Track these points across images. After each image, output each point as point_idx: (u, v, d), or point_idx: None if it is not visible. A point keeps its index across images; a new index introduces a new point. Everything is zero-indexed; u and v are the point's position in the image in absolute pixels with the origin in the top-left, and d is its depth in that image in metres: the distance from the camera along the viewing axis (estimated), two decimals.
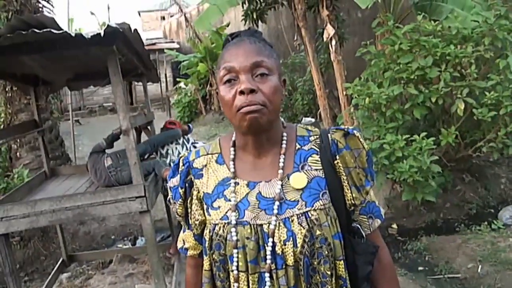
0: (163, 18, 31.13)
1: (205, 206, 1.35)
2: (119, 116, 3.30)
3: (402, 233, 5.63)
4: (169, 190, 1.45)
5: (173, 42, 23.10)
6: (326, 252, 1.20)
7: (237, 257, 1.23)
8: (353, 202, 1.30)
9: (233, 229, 1.24)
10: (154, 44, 21.67)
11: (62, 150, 8.72)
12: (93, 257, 5.50)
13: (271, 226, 1.21)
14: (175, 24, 24.51)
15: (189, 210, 1.40)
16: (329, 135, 1.33)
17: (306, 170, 1.27)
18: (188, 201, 1.39)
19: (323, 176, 1.27)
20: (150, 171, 4.17)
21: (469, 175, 6.41)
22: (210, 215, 1.31)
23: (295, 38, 8.08)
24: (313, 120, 9.09)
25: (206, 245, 1.31)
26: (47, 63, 4.10)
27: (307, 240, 1.19)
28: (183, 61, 15.83)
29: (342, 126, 1.36)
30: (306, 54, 7.81)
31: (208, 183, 1.35)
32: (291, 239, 1.19)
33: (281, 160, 1.28)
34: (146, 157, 4.69)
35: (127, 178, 3.99)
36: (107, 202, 3.39)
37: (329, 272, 1.21)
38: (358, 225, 1.34)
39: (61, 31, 2.87)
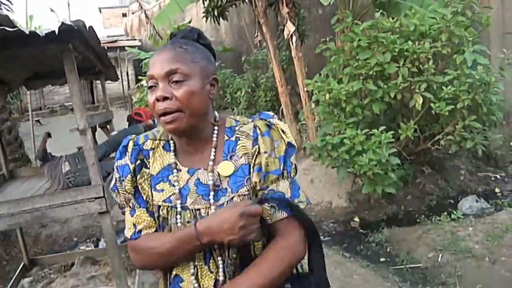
0: (125, 15, 30.66)
1: (149, 187, 1.42)
2: (76, 115, 3.24)
3: (364, 226, 5.72)
4: (115, 170, 1.46)
5: (135, 39, 22.81)
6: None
7: None
8: (254, 185, 1.36)
9: (178, 216, 1.35)
10: (115, 41, 21.33)
11: (22, 152, 8.51)
12: (55, 260, 5.37)
13: (210, 213, 1.32)
14: (136, 21, 24.19)
15: (139, 186, 1.43)
16: (252, 123, 1.42)
17: (234, 160, 1.37)
18: (138, 177, 1.43)
19: (245, 163, 1.36)
20: (109, 171, 4.10)
21: (429, 167, 6.56)
22: (153, 197, 1.41)
23: (256, 35, 8.11)
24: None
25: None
26: (2, 62, 3.99)
27: None
28: (145, 58, 15.65)
29: (270, 118, 1.43)
30: (268, 51, 7.85)
31: (153, 166, 1.43)
32: None
33: (212, 153, 1.38)
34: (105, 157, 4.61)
35: (87, 183, 3.91)
36: (66, 203, 3.32)
37: (234, 255, 1.33)
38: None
39: (14, 29, 2.80)
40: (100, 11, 33.63)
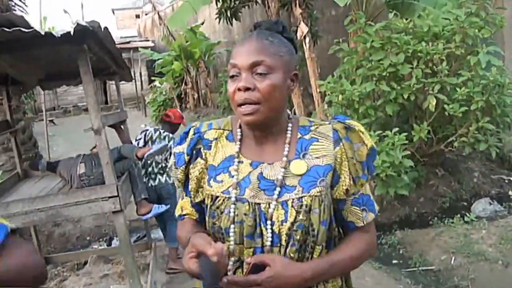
0: (138, 16, 30.88)
1: (206, 177, 1.43)
2: (90, 115, 3.27)
3: (377, 227, 5.59)
4: (173, 156, 1.50)
5: (148, 40, 22.96)
6: (298, 237, 1.28)
7: (234, 231, 1.32)
8: (346, 190, 1.36)
9: (232, 206, 1.33)
10: (128, 42, 21.50)
11: (36, 151, 8.58)
12: (68, 258, 5.42)
13: (270, 209, 1.30)
14: (149, 23, 24.33)
15: (190, 176, 1.47)
16: (330, 125, 1.39)
17: (306, 159, 1.34)
18: (191, 167, 1.46)
19: (323, 164, 1.33)
20: (122, 172, 4.13)
21: (442, 169, 6.51)
22: (211, 187, 1.40)
23: None
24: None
25: (207, 214, 1.40)
26: (17, 62, 4.03)
27: (292, 222, 1.28)
28: (158, 59, 15.75)
29: (347, 119, 1.42)
30: None
31: (215, 156, 1.43)
32: (287, 221, 1.28)
33: (286, 148, 1.36)
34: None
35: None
36: (80, 202, 3.35)
37: (292, 255, 1.29)
38: (350, 220, 1.41)
39: (30, 30, 2.83)
40: (114, 13, 33.88)
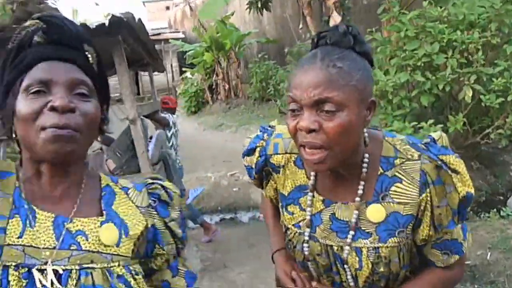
0: (168, 8, 31.03)
1: (280, 204, 1.34)
2: (125, 105, 3.32)
3: None
4: (243, 162, 1.43)
5: (178, 32, 23.07)
6: (381, 285, 1.22)
7: (311, 266, 1.27)
8: (426, 239, 1.20)
9: (305, 244, 1.24)
10: (159, 34, 21.64)
11: None
12: None
13: (344, 253, 1.19)
14: (180, 14, 24.39)
15: (264, 186, 1.42)
16: (418, 163, 1.17)
17: (386, 202, 1.17)
18: (264, 182, 1.40)
19: (403, 213, 1.16)
20: (157, 161, 4.19)
21: (477, 162, 6.37)
22: (284, 215, 1.31)
23: (301, 27, 8.06)
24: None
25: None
26: None
27: (371, 273, 1.19)
28: (189, 50, 15.81)
29: (442, 153, 1.17)
30: None
31: (284, 184, 1.30)
32: (362, 269, 1.19)
33: (360, 187, 1.17)
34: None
35: (135, 171, 3.99)
36: None
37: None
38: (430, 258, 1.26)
39: None
40: (144, 5, 34.12)
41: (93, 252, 0.98)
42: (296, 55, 11.57)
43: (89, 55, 1.03)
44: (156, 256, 1.12)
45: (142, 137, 3.40)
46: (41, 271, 0.93)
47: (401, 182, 1.16)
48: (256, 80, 13.37)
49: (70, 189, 1.03)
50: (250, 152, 1.38)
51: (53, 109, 0.92)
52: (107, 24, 2.88)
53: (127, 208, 1.08)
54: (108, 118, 1.13)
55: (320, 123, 1.05)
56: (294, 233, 1.27)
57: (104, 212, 1.04)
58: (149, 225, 1.08)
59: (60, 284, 0.93)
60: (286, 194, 1.29)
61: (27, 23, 0.99)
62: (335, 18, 6.91)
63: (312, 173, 1.25)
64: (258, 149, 1.35)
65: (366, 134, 1.19)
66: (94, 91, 1.02)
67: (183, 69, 17.81)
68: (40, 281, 0.92)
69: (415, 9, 5.76)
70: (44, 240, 0.96)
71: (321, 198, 1.23)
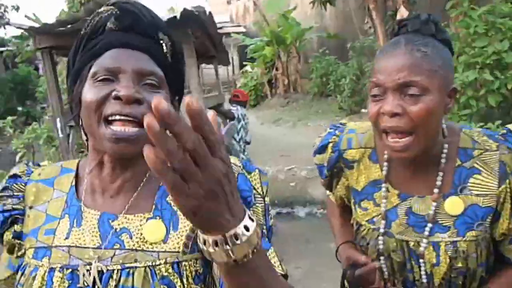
0: (229, 2, 31.27)
1: (352, 200, 1.32)
2: (193, 97, 3.41)
3: None
4: (314, 158, 1.40)
5: (240, 26, 23.21)
6: (459, 282, 1.17)
7: (384, 263, 1.24)
8: (505, 233, 1.17)
9: (380, 238, 1.22)
10: (221, 28, 21.82)
11: None
12: None
13: (421, 248, 1.17)
14: (241, 8, 24.61)
15: (333, 186, 1.39)
16: (496, 154, 1.15)
17: (464, 194, 1.15)
18: (334, 183, 1.37)
19: (482, 205, 1.14)
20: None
21: None
22: (356, 212, 1.30)
23: (366, 21, 7.96)
24: None
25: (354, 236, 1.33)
26: None
27: (449, 268, 1.16)
28: (250, 45, 15.91)
29: None
30: (376, 37, 7.68)
31: (358, 180, 1.29)
32: (440, 264, 1.16)
33: (439, 178, 1.16)
34: None
35: None
36: None
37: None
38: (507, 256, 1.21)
39: None
40: None
41: (137, 250, 0.93)
42: (359, 50, 11.42)
43: (163, 44, 0.97)
44: None
45: None
46: (86, 270, 0.92)
47: (480, 174, 1.14)
48: (316, 75, 13.31)
49: (131, 181, 0.99)
50: (322, 149, 1.36)
51: (117, 98, 0.89)
52: (178, 17, 2.95)
53: None
54: (180, 111, 1.01)
55: (404, 107, 1.05)
56: (368, 229, 1.25)
57: (153, 207, 0.98)
58: None
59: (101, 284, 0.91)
60: (359, 190, 1.28)
61: (102, 8, 0.96)
62: (402, 13, 6.77)
63: (386, 166, 1.23)
64: (330, 145, 1.34)
65: (444, 126, 1.19)
66: (165, 82, 0.98)
67: (244, 63, 17.95)
68: (84, 282, 0.91)
69: (485, 5, 5.56)
70: (89, 239, 0.94)
71: (396, 192, 1.22)
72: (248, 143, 5.87)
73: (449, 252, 1.14)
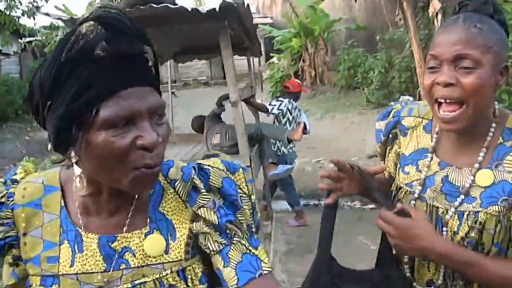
0: None
1: (398, 165, 1.40)
2: (229, 88, 3.44)
3: None
4: (375, 130, 1.50)
5: (267, 17, 23.15)
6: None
7: None
8: None
9: (412, 202, 1.29)
10: None
11: None
12: None
13: (447, 216, 1.23)
14: None
15: (386, 154, 1.48)
16: None
17: (498, 170, 1.20)
18: (388, 148, 1.46)
19: (511, 182, 1.17)
20: (254, 144, 4.31)
21: None
22: (398, 176, 1.38)
23: (397, 13, 7.87)
24: (411, 98, 8.77)
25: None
26: (158, 36, 4.30)
27: (463, 237, 1.20)
28: (277, 36, 15.87)
29: None
30: (407, 29, 7.59)
31: (408, 145, 1.37)
32: (458, 233, 1.21)
33: (481, 154, 1.22)
34: None
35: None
36: None
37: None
38: None
39: (177, 6, 3.02)
40: None
41: (142, 266, 0.97)
42: (388, 42, 11.30)
43: (147, 56, 0.90)
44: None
45: (242, 119, 3.51)
46: None
47: None
48: (344, 67, 13.21)
49: (125, 199, 0.99)
50: (386, 115, 1.46)
51: (143, 147, 0.86)
52: (217, 9, 2.98)
53: (174, 205, 1.03)
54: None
55: (457, 77, 1.13)
56: (405, 192, 1.32)
57: (148, 220, 1.00)
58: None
59: None
60: (407, 155, 1.36)
61: (84, 26, 0.84)
62: (435, 5, 6.68)
63: (436, 137, 1.31)
64: (393, 111, 1.44)
65: (496, 107, 1.25)
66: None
67: (270, 54, 17.90)
68: None
69: None
70: (93, 264, 0.96)
71: (438, 160, 1.29)
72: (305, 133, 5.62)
73: (469, 221, 1.19)
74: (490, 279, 1.17)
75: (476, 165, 1.21)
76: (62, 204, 1.00)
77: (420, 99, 7.70)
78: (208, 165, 1.05)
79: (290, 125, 5.52)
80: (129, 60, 0.86)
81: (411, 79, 9.71)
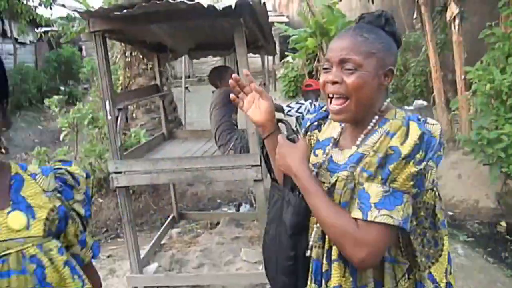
0: None
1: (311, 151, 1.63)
2: None
3: (511, 231, 5.30)
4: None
5: (283, 15, 23.14)
6: None
7: None
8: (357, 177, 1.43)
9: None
10: None
11: (175, 115, 9.13)
12: (202, 217, 5.81)
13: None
14: None
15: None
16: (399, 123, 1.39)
17: (359, 148, 1.41)
18: (308, 135, 1.72)
19: (362, 151, 1.41)
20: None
21: None
22: (311, 158, 1.57)
23: (415, 16, 7.80)
24: (425, 103, 8.74)
25: None
26: (173, 32, 4.32)
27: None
28: (292, 35, 15.83)
29: (414, 119, 1.34)
30: (424, 33, 7.52)
31: (324, 133, 1.62)
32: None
33: (360, 138, 1.43)
34: None
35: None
36: (224, 167, 3.55)
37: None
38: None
39: (193, 2, 3.01)
40: None
41: (6, 240, 1.16)
42: (404, 45, 11.20)
43: None
44: (67, 231, 1.33)
45: None
46: None
47: (377, 133, 1.39)
48: None
49: None
50: (317, 110, 1.74)
51: None
52: (233, 6, 2.98)
53: (34, 192, 1.27)
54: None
55: (342, 77, 1.36)
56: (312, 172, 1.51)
57: (11, 202, 1.21)
58: (56, 206, 1.29)
59: None
60: (320, 140, 1.61)
61: None
62: (453, 9, 6.60)
63: (342, 127, 1.55)
64: (324, 108, 1.68)
65: (385, 103, 1.43)
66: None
67: (285, 53, 17.86)
68: None
69: None
70: None
71: (333, 146, 1.53)
72: None
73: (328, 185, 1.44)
74: (322, 221, 1.36)
75: (354, 147, 1.43)
76: None
77: (434, 104, 7.65)
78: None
79: None
80: None
81: (426, 84, 9.64)
